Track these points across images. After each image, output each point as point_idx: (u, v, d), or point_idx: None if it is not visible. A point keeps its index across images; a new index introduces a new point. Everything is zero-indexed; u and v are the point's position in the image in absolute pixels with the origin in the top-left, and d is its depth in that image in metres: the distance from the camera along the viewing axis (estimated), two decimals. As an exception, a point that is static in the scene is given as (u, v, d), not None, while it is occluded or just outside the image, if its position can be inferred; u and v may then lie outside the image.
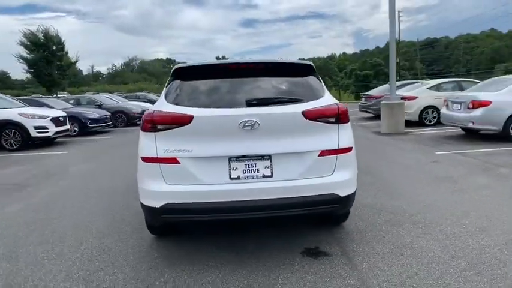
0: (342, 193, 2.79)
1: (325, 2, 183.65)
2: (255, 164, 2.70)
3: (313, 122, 2.73)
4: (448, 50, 66.58)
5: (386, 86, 14.41)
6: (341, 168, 2.81)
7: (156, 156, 2.69)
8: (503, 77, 9.33)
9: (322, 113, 2.75)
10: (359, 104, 16.38)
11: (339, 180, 2.79)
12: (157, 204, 2.71)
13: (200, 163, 2.68)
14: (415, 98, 11.51)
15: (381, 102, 10.98)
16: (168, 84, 3.03)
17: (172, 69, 3.02)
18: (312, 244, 3.21)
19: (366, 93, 16.35)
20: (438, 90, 11.67)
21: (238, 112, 2.67)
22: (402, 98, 10.95)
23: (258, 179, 2.69)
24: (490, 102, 7.47)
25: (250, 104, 2.72)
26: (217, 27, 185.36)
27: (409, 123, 11.05)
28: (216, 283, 2.62)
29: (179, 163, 2.66)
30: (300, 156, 2.74)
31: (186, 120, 2.65)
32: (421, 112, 11.47)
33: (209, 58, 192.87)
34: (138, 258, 3.03)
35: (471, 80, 13.15)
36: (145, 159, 2.75)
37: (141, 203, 2.86)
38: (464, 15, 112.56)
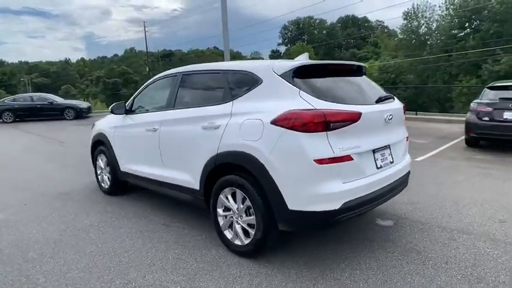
0: (410, 169, 3.65)
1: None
2: (384, 153, 3.10)
3: (404, 115, 3.46)
4: (182, 62, 75.21)
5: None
6: (407, 150, 3.66)
7: (333, 156, 2.59)
8: None
9: (404, 107, 3.52)
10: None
11: (409, 159, 3.62)
12: (335, 206, 2.60)
13: (363, 157, 2.81)
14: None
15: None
16: (295, 80, 2.80)
17: (297, 66, 2.84)
18: (371, 219, 3.84)
19: None
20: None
21: (384, 108, 3.02)
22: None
23: (389, 166, 3.09)
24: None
25: (379, 100, 3.10)
26: None
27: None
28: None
29: (353, 159, 2.70)
30: (401, 143, 3.38)
31: (356, 117, 2.72)
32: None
33: None
34: None
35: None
36: (321, 161, 2.55)
37: (304, 213, 2.61)
38: (190, 32, 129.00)
